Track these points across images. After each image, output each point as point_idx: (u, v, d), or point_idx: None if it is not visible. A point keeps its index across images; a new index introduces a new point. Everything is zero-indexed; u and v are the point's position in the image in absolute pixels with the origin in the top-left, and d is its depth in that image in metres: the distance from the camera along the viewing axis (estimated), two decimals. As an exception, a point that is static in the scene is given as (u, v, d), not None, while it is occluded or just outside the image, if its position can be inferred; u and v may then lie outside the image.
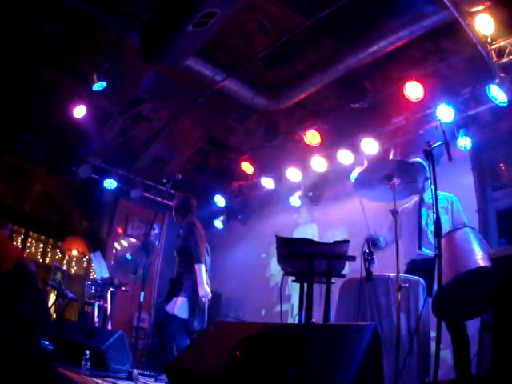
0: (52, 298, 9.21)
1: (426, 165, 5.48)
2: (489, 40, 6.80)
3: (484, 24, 6.52)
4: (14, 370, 4.11)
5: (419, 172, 5.54)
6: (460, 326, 5.15)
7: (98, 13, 7.52)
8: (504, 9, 6.47)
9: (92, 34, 7.95)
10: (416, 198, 6.09)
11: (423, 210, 5.95)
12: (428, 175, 5.35)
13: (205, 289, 6.51)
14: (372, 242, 5.51)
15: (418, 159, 5.79)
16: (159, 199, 11.06)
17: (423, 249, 5.69)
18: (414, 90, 7.82)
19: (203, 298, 6.52)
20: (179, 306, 6.54)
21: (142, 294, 6.56)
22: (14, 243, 9.93)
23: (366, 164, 8.50)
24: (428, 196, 5.86)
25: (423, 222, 5.88)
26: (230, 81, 8.91)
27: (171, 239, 11.83)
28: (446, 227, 5.47)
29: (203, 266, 6.61)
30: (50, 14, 7.62)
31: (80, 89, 8.78)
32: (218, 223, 11.74)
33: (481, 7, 6.41)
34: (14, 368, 4.15)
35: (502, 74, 6.95)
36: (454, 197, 5.98)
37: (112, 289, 8.89)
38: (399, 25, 7.46)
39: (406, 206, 6.15)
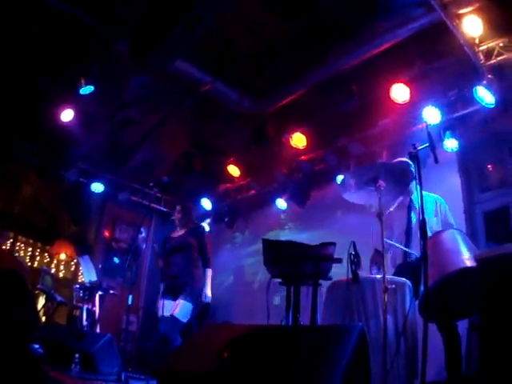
0: (41, 301, 9.18)
1: (412, 164, 5.52)
2: (477, 41, 6.85)
3: (472, 26, 6.55)
4: (3, 373, 4.10)
5: (405, 173, 5.57)
6: (450, 326, 5.17)
7: (86, 17, 7.52)
8: (492, 10, 6.50)
9: (80, 38, 7.92)
10: (401, 198, 6.09)
11: (412, 213, 5.96)
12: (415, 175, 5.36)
13: (209, 292, 6.94)
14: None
15: (404, 158, 5.81)
16: (146, 203, 11.07)
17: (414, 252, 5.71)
18: (400, 93, 7.86)
19: (205, 299, 6.87)
20: (181, 310, 6.59)
21: (130, 297, 6.59)
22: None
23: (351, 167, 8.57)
24: (416, 198, 5.89)
25: (413, 225, 5.89)
26: (217, 84, 8.92)
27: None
28: (436, 229, 5.51)
29: (211, 272, 7.10)
30: (38, 19, 7.60)
31: (67, 93, 8.75)
32: (205, 226, 11.71)
33: (469, 8, 6.44)
34: (4, 371, 4.15)
35: (489, 76, 6.97)
36: (441, 198, 6.00)
37: (100, 292, 8.88)
38: (386, 27, 7.48)
39: (391, 209, 6.15)
